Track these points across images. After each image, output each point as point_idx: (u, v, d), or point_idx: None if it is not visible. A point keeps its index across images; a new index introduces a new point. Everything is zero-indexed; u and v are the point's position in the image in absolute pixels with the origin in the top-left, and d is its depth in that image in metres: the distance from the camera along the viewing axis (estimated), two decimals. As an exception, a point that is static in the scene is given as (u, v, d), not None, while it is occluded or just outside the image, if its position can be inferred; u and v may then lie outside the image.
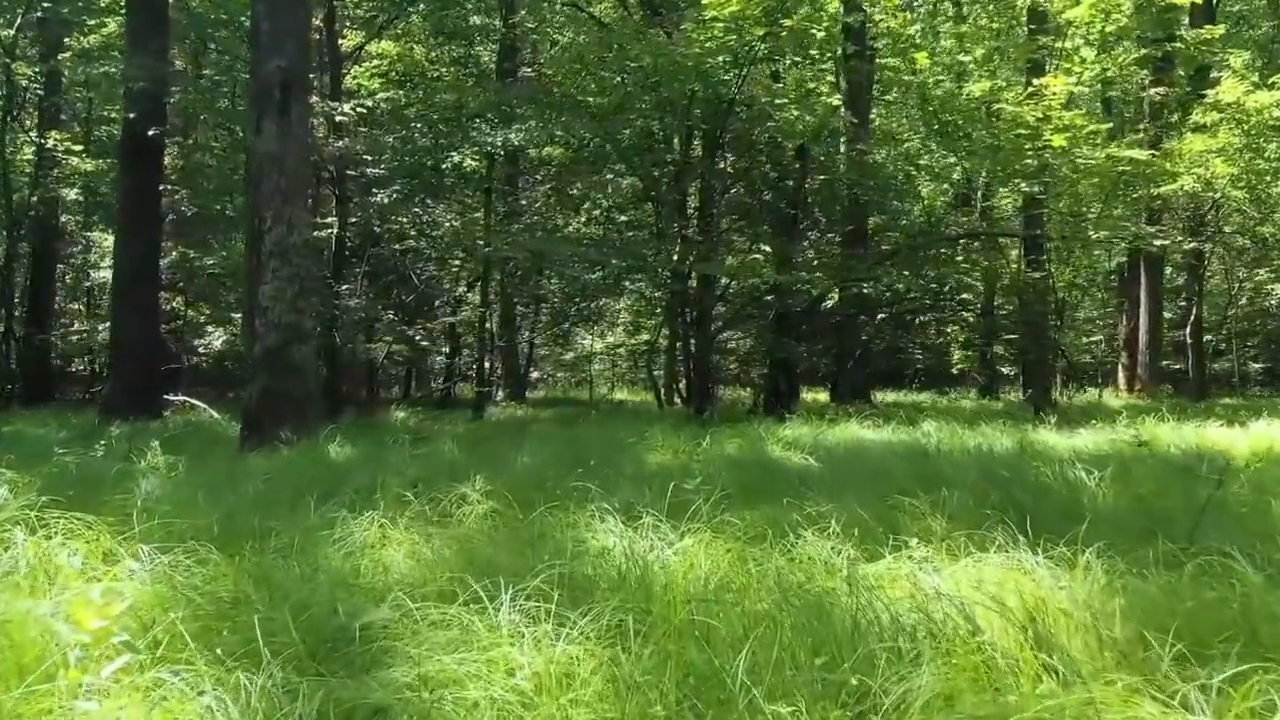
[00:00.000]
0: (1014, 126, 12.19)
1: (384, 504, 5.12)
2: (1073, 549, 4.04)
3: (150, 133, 14.05)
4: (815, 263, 15.63)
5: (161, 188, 15.46)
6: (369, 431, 10.77)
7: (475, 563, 3.51)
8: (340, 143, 14.14)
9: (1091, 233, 12.07)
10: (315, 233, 16.26)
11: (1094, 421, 10.56)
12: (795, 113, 14.93)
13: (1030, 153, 12.12)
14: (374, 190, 15.08)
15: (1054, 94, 11.60)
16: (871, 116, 18.62)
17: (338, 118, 14.18)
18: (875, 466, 6.99)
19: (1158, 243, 12.88)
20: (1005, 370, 27.08)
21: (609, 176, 19.42)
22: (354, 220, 16.91)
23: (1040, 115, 11.70)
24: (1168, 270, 24.52)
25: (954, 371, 31.03)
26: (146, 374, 14.45)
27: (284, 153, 8.32)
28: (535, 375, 27.75)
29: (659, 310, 20.15)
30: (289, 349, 8.27)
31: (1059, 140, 11.80)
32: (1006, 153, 13.18)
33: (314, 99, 15.33)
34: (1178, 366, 25.09)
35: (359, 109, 14.28)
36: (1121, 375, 24.25)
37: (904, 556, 3.85)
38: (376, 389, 21.73)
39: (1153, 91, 15.60)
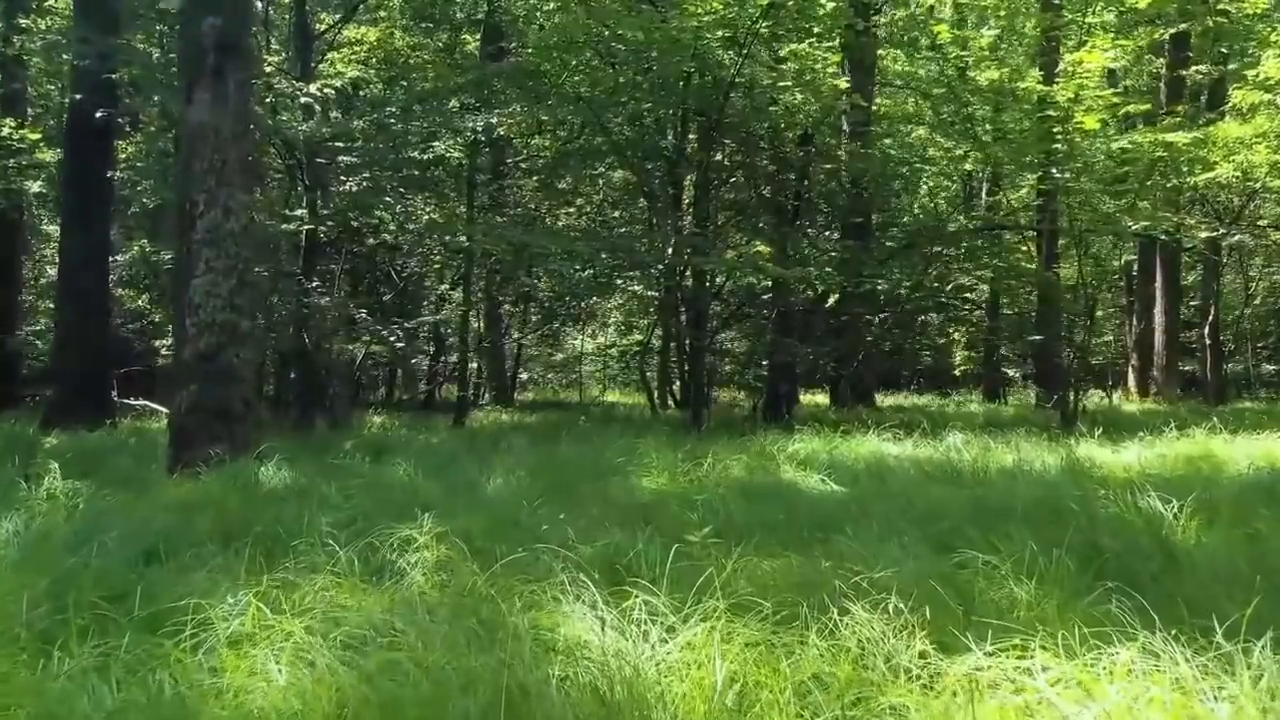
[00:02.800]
0: (1041, 108, 11.10)
1: (297, 558, 4.00)
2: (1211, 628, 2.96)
3: (98, 114, 12.88)
4: (822, 257, 14.50)
5: (115, 175, 14.28)
6: (327, 445, 9.63)
7: (382, 691, 2.38)
8: (306, 125, 12.95)
9: (1130, 224, 11.00)
10: (284, 225, 15.13)
11: (1141, 433, 9.47)
12: (800, 96, 13.82)
13: (1059, 136, 11.04)
14: (343, 178, 13.89)
15: (1087, 71, 10.52)
16: (876, 104, 17.56)
17: (302, 99, 13.00)
18: (910, 494, 5.88)
19: (1203, 235, 11.81)
20: (1009, 372, 26.04)
21: (600, 170, 18.33)
22: (326, 212, 15.76)
23: (1072, 95, 10.61)
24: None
25: (955, 374, 29.97)
26: (95, 377, 13.28)
27: (219, 124, 7.17)
28: (525, 377, 26.61)
29: (652, 309, 19.06)
30: (224, 353, 7.12)
31: (1091, 122, 10.72)
32: (1030, 137, 12.07)
33: (280, 81, 14.20)
34: (1187, 368, 24.05)
35: (326, 89, 13.10)
36: (1132, 378, 23.20)
37: (1002, 650, 2.74)
38: (358, 392, 20.57)
39: (1194, 70, 14.48)
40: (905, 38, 13.81)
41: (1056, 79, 11.04)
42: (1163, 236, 12.11)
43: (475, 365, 22.45)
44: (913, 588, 3.48)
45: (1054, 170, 11.08)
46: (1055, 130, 11.11)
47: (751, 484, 6.21)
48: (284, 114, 13.64)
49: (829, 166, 15.16)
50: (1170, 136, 10.69)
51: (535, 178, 19.91)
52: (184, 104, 7.34)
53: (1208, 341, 21.24)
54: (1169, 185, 12.13)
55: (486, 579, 3.82)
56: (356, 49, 18.39)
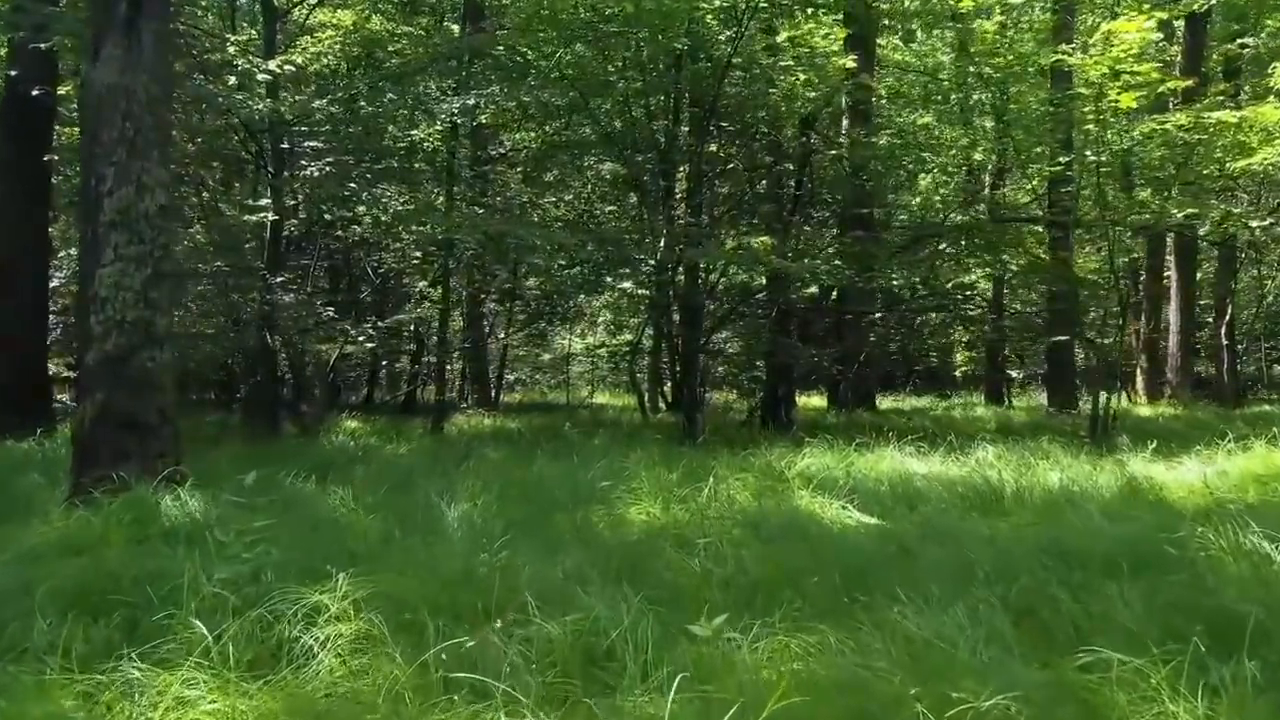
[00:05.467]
0: (1060, 86, 10.06)
1: (163, 636, 2.92)
2: None
3: (35, 92, 11.73)
4: (826, 251, 13.43)
5: (57, 162, 13.10)
6: (282, 456, 8.49)
7: None
8: (261, 105, 11.79)
9: (1176, 212, 9.93)
10: (246, 217, 13.99)
11: (1197, 448, 8.42)
12: (802, 76, 12.75)
13: (1091, 116, 10.00)
14: (303, 163, 12.72)
15: (1124, 43, 9.49)
16: (878, 93, 16.53)
17: (260, 75, 11.85)
18: (956, 532, 4.81)
19: (1253, 224, 10.81)
20: (1012, 374, 25.00)
21: (588, 163, 17.26)
22: (293, 203, 14.62)
23: (1107, 69, 9.58)
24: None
25: (956, 375, 28.90)
26: (31, 381, 12.11)
27: (131, 85, 6.06)
28: (512, 377, 25.54)
29: (643, 308, 17.98)
30: (136, 356, 6.01)
31: (1128, 100, 9.69)
32: (1047, 121, 11.01)
33: (237, 58, 13.05)
34: (1196, 370, 23.06)
35: (287, 65, 11.95)
36: (1140, 380, 22.21)
37: None
38: (338, 394, 19.43)
39: (1236, 43, 13.47)
40: (916, 10, 12.75)
41: (1089, 54, 9.96)
42: (1206, 227, 11.10)
43: (460, 366, 21.36)
44: (1020, 701, 2.41)
45: (1087, 153, 10.01)
46: (1087, 110, 10.07)
47: (762, 516, 5.13)
48: (241, 94, 12.48)
49: (833, 153, 14.10)
50: (1217, 116, 9.64)
51: (519, 169, 18.83)
52: (89, 62, 6.21)
53: (1224, 342, 20.23)
54: (1205, 172, 11.11)
55: (409, 676, 2.74)
56: (332, 34, 17.27)
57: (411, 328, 19.74)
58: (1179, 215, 9.91)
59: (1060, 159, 10.65)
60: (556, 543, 4.64)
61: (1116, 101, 9.81)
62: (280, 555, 3.93)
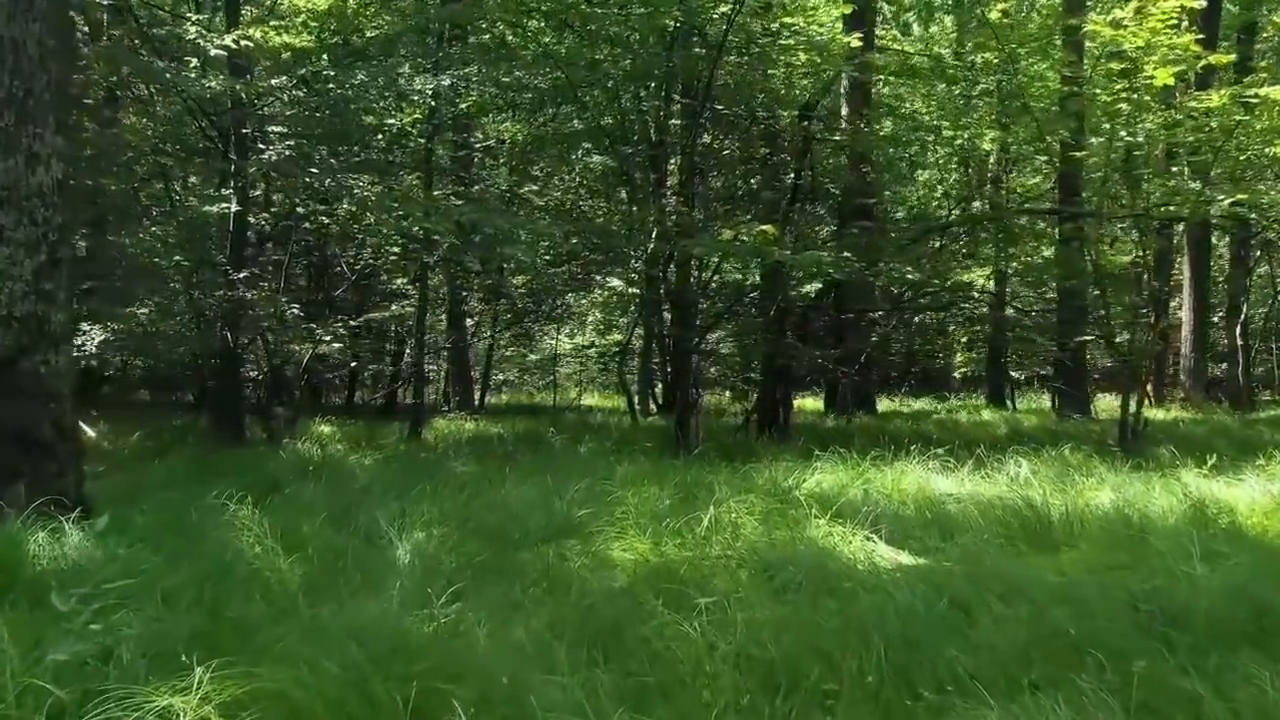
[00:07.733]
0: (1100, 61, 9.17)
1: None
2: None
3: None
4: (829, 243, 12.51)
5: None
6: (216, 473, 7.53)
7: None
8: (214, 82, 10.79)
9: (1223, 199, 9.05)
10: (207, 208, 13.01)
11: (1260, 460, 7.51)
12: (803, 56, 11.84)
13: (1124, 95, 9.12)
14: (261, 147, 11.70)
15: (1163, 12, 8.61)
16: (878, 81, 15.63)
17: (213, 51, 10.86)
18: (1014, 578, 3.87)
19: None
20: (1016, 375, 24.13)
21: (576, 157, 16.35)
22: (257, 194, 13.62)
23: (1143, 43, 8.70)
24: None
25: (957, 375, 28.03)
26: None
27: (20, 37, 5.12)
28: (500, 378, 24.59)
29: (633, 307, 17.06)
30: (26, 359, 5.05)
31: (1164, 76, 8.82)
32: (1083, 98, 10.09)
33: (194, 34, 12.06)
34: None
35: (244, 40, 10.94)
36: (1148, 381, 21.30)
37: None
38: (317, 395, 18.45)
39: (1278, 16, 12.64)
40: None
41: (1123, 25, 9.06)
42: (1252, 217, 10.26)
43: (444, 367, 20.40)
44: None
45: (1122, 134, 9.11)
46: (1118, 87, 9.17)
47: (775, 555, 4.19)
48: (194, 72, 11.48)
49: (837, 139, 13.19)
50: (1265, 92, 8.73)
51: (503, 161, 17.87)
52: (-29, 10, 5.25)
53: (1239, 342, 19.37)
54: (1242, 159, 10.24)
55: None
56: (305, 17, 16.27)
57: (392, 327, 18.78)
58: (1225, 203, 9.02)
59: (1093, 139, 9.73)
60: (520, 593, 3.70)
61: (1152, 78, 8.91)
62: (145, 625, 2.98)
